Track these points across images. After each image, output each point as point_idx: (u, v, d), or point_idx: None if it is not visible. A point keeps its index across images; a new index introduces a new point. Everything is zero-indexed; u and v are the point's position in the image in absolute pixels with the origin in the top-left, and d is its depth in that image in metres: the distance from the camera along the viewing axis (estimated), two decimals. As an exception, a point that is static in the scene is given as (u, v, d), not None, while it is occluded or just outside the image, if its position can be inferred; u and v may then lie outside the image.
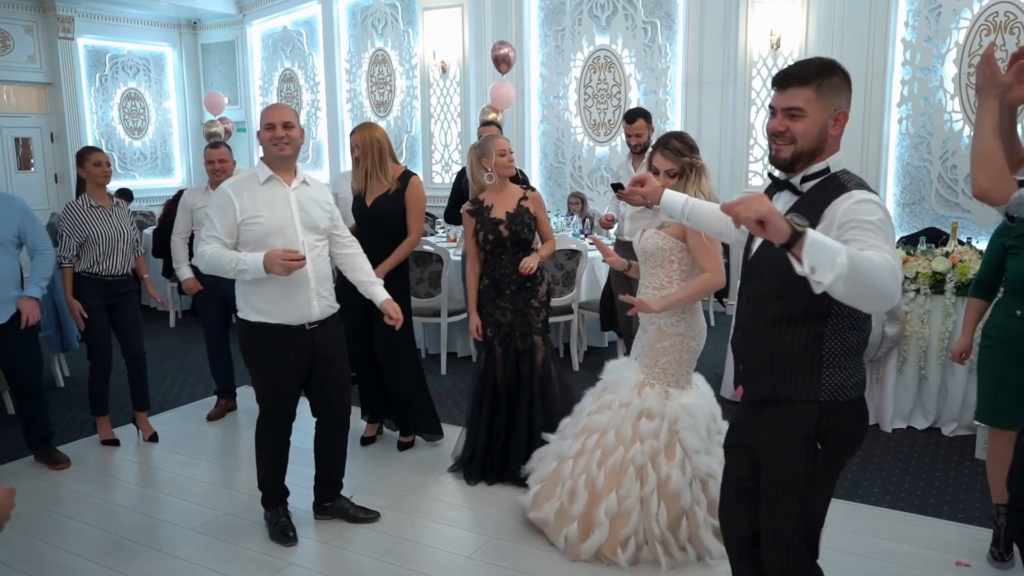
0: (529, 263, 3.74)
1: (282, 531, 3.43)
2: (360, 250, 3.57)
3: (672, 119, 7.86)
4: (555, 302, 5.80)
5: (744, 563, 2.29)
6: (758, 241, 2.12)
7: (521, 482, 3.74)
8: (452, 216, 5.54)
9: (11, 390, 4.30)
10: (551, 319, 5.83)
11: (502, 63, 7.59)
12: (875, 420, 4.64)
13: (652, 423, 3.12)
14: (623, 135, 7.98)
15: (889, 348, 4.48)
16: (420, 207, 4.23)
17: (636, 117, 5.11)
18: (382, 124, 9.73)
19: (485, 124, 5.67)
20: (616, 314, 5.55)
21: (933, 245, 4.79)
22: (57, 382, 5.79)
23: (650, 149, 3.29)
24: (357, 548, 3.38)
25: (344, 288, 4.33)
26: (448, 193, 5.65)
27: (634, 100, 8.01)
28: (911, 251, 4.63)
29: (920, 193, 6.89)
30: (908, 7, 6.75)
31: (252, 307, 3.24)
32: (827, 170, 2.00)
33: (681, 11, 7.69)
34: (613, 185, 4.30)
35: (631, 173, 5.26)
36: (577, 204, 7.74)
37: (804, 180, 2.03)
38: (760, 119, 7.22)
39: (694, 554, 3.13)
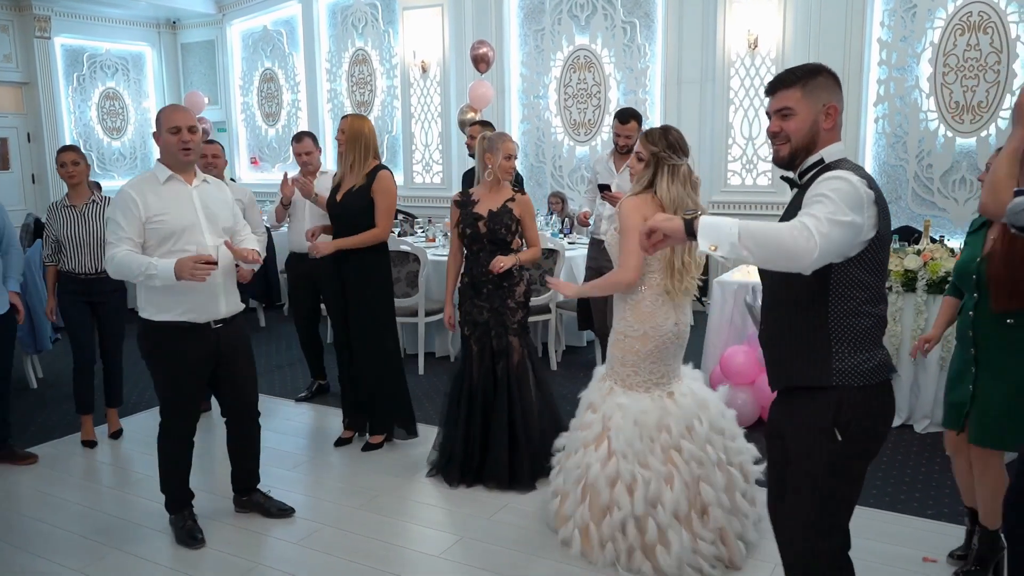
0: (500, 261, 3.72)
1: (189, 535, 3.38)
2: (249, 238, 3.50)
3: (652, 119, 7.87)
4: (533, 301, 5.79)
5: None
6: None
7: (500, 484, 3.79)
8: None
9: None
10: (530, 319, 5.86)
11: (481, 63, 7.58)
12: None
13: (593, 415, 3.19)
14: (604, 134, 8.06)
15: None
16: (388, 202, 4.16)
17: (630, 119, 5.10)
18: (363, 124, 9.70)
19: (479, 123, 5.60)
20: (592, 314, 5.57)
21: (906, 243, 4.81)
22: (30, 383, 5.73)
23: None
24: (325, 548, 3.36)
25: (327, 285, 4.35)
26: (429, 193, 5.65)
27: (614, 100, 8.02)
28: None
29: (896, 192, 6.94)
30: (884, 7, 6.80)
31: (155, 305, 3.20)
32: (821, 161, 2.09)
33: (660, 11, 7.71)
34: (600, 186, 4.34)
35: (611, 171, 5.26)
36: (557, 204, 7.75)
37: (803, 174, 2.13)
38: (738, 118, 7.25)
39: (611, 558, 3.08)
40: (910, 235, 5.57)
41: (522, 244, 3.94)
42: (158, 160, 3.27)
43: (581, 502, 3.12)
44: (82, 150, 4.63)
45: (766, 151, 7.15)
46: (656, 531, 2.98)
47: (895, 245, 4.78)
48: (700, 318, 6.95)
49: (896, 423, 4.58)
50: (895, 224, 6.81)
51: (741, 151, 7.30)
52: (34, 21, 9.51)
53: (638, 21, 7.85)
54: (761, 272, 2.24)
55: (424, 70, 8.78)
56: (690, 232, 1.89)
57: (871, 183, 2.00)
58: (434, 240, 6.87)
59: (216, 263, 3.07)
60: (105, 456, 4.49)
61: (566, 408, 4.81)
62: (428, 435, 4.35)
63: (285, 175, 5.02)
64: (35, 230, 7.45)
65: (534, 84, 8.53)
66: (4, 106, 9.74)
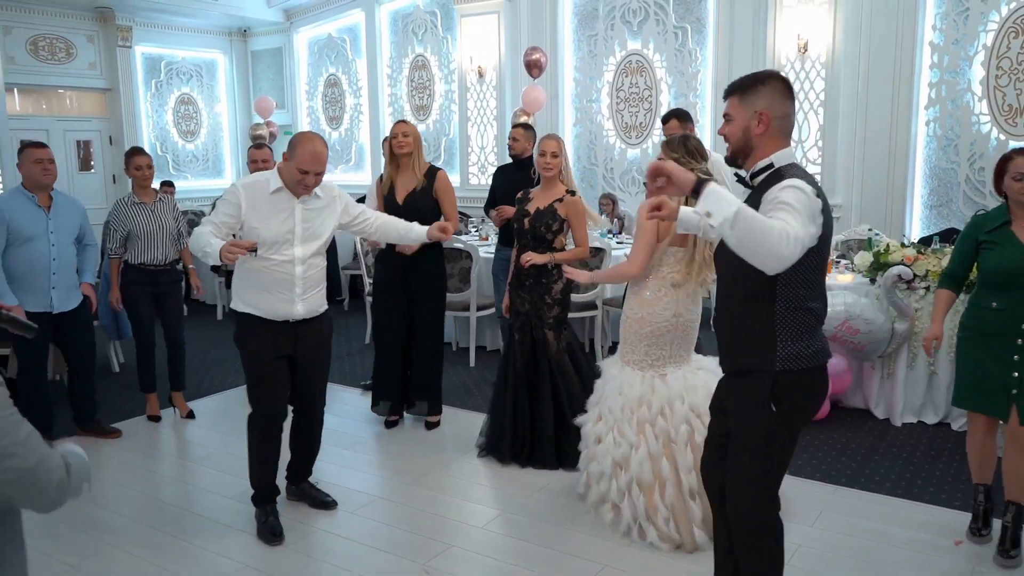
0: (528, 256, 3.98)
1: (270, 530, 3.46)
2: (381, 215, 3.80)
3: (702, 122, 8.01)
4: (580, 298, 6.03)
5: (722, 510, 2.54)
6: None
7: (548, 464, 4.09)
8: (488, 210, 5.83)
9: (69, 369, 4.65)
10: (576, 314, 6.08)
11: (534, 68, 7.83)
12: (885, 414, 4.76)
13: (597, 380, 3.60)
14: (655, 137, 8.22)
15: (899, 344, 4.60)
16: (453, 198, 4.62)
17: (668, 118, 5.21)
18: (421, 127, 10.06)
19: (520, 126, 5.87)
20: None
21: (946, 244, 4.89)
22: (113, 367, 6.20)
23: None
24: (379, 518, 3.64)
25: (387, 277, 4.67)
26: (484, 194, 5.91)
27: (665, 103, 8.18)
28: (921, 250, 4.74)
29: (948, 195, 6.94)
30: (936, 10, 6.82)
31: (242, 300, 3.43)
32: (771, 165, 2.28)
33: (711, 16, 7.85)
34: (645, 183, 4.49)
35: None
36: (608, 205, 7.94)
37: (754, 176, 2.33)
38: (788, 122, 7.33)
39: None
40: (950, 237, 5.60)
41: (567, 244, 4.15)
42: (276, 169, 3.39)
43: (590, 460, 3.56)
44: (157, 152, 5.04)
45: (815, 154, 7.23)
46: (616, 491, 3.40)
47: (935, 246, 4.87)
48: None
49: (933, 420, 4.67)
50: (945, 225, 6.83)
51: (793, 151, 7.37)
52: (117, 31, 10.13)
53: (689, 26, 8.00)
54: (719, 266, 2.49)
55: (481, 75, 9.07)
56: (696, 191, 2.05)
57: (819, 191, 2.19)
58: (487, 239, 7.14)
59: (255, 249, 3.18)
60: (174, 432, 4.89)
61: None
62: (477, 421, 4.61)
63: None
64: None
65: (587, 88, 8.74)
66: (88, 111, 10.40)
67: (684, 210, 2.70)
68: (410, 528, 3.54)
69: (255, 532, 3.49)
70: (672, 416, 3.31)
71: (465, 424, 4.80)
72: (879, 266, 4.69)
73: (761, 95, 2.27)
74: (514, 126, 5.87)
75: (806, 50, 7.12)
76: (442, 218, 4.57)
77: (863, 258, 4.81)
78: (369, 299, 6.40)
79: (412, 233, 3.81)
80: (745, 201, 2.25)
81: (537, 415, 4.11)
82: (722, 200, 1.98)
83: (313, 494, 3.79)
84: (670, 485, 3.29)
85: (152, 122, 10.88)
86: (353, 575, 3.18)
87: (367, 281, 6.60)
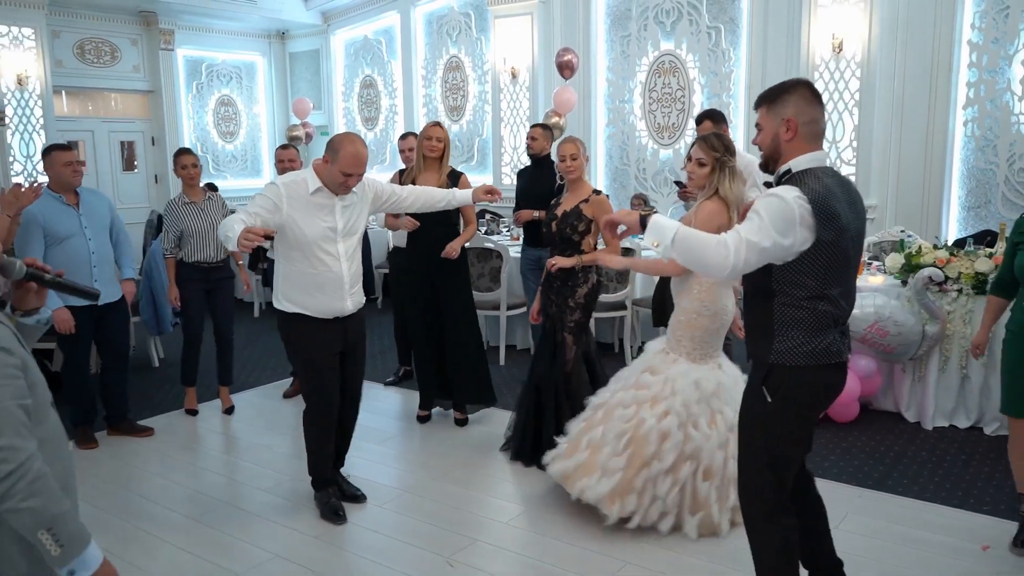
0: (553, 261, 4.01)
1: (332, 511, 3.64)
2: (412, 187, 3.88)
3: (735, 122, 7.97)
4: (609, 298, 6.06)
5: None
6: None
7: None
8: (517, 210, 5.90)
9: (103, 363, 4.78)
10: (605, 314, 6.12)
11: (565, 69, 7.86)
12: (916, 418, 4.73)
13: (652, 377, 3.48)
14: (687, 137, 8.21)
15: (930, 346, 4.56)
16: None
17: (702, 119, 5.20)
18: (455, 128, 10.17)
19: (539, 126, 5.93)
20: (668, 311, 5.75)
21: (980, 246, 4.83)
22: (152, 362, 6.38)
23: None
24: (406, 511, 3.73)
25: (411, 275, 4.76)
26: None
27: (698, 104, 8.16)
28: (954, 252, 4.69)
29: (986, 196, 6.83)
30: (975, 8, 6.71)
31: (289, 299, 3.48)
32: (789, 171, 2.39)
33: (745, 16, 7.82)
34: (676, 182, 4.53)
35: None
36: (640, 206, 7.94)
37: (778, 180, 2.43)
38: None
39: (632, 507, 3.38)
40: (982, 239, 5.54)
41: (594, 246, 4.16)
42: (314, 166, 3.44)
43: (620, 452, 3.38)
44: (197, 153, 5.18)
45: (850, 154, 7.16)
46: (691, 489, 3.36)
47: (968, 248, 4.81)
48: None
49: (965, 424, 4.62)
50: (983, 227, 6.72)
51: (824, 154, 7.31)
52: (160, 35, 10.37)
53: (723, 26, 7.97)
54: None
55: (514, 76, 9.13)
56: (643, 225, 2.32)
57: (818, 196, 2.23)
58: (518, 239, 7.19)
59: (271, 236, 3.24)
60: (214, 425, 5.03)
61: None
62: (505, 419, 4.67)
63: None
64: (158, 225, 8.18)
65: (620, 89, 8.75)
66: (132, 112, 10.67)
67: (654, 220, 2.84)
68: (436, 522, 3.62)
69: (318, 514, 3.66)
70: (733, 403, 3.34)
71: (494, 422, 4.86)
72: (910, 268, 4.65)
73: (788, 103, 2.37)
74: (532, 126, 5.93)
75: (841, 50, 7.06)
76: (462, 221, 4.68)
77: (894, 260, 4.78)
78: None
79: (456, 197, 3.88)
80: None
81: (545, 418, 4.12)
82: (661, 229, 2.28)
83: (343, 486, 3.85)
84: (727, 472, 3.37)
85: (193, 123, 11.12)
86: (379, 566, 3.27)
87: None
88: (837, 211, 2.26)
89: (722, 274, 2.26)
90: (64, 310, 4.26)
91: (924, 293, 4.50)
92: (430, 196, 3.89)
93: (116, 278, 4.63)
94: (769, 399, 2.39)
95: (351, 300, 3.54)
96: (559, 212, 4.11)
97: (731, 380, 3.48)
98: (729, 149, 3.40)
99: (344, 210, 3.45)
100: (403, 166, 5.39)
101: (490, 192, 3.87)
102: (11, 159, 8.78)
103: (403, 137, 5.45)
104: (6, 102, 8.72)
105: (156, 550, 3.41)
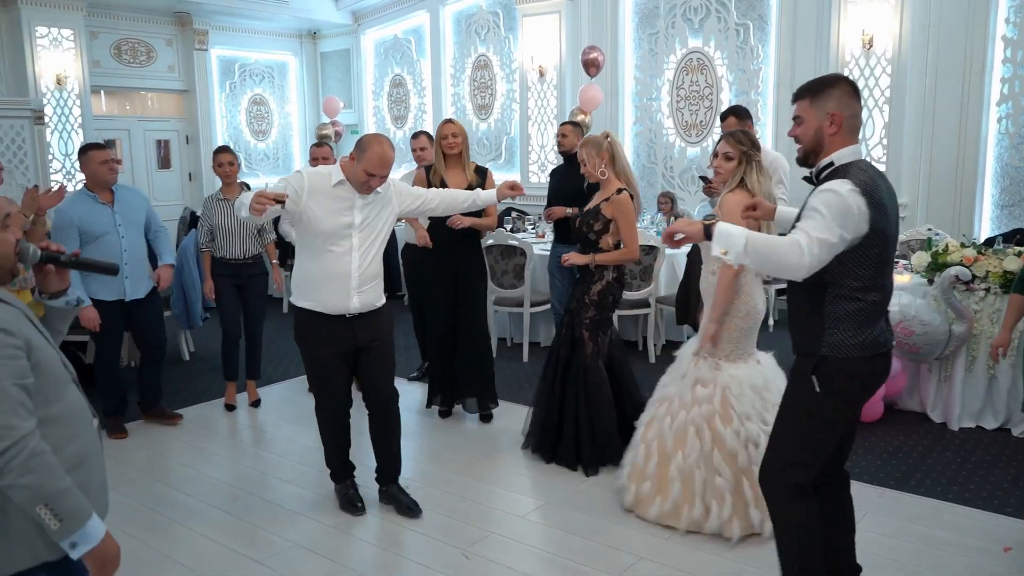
0: (567, 256, 4.04)
1: (349, 502, 3.69)
2: (439, 191, 3.88)
3: (764, 120, 7.92)
4: (632, 296, 6.05)
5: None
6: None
7: (569, 463, 4.10)
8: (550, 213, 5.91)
9: (141, 356, 4.90)
10: (629, 312, 6.12)
11: (591, 67, 7.87)
12: (942, 418, 4.66)
13: (706, 389, 3.43)
14: (715, 135, 8.16)
15: (957, 346, 4.50)
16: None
17: (727, 115, 5.15)
18: (483, 127, 10.22)
19: (568, 124, 5.94)
20: (692, 309, 5.74)
21: (1009, 245, 4.76)
22: (183, 355, 6.51)
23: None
24: (425, 504, 3.75)
25: (428, 271, 4.81)
26: (543, 192, 6.00)
27: (726, 101, 8.11)
28: (982, 250, 4.62)
29: (1020, 194, 6.70)
30: (1009, 3, 6.59)
31: (301, 294, 3.53)
32: (831, 164, 2.40)
33: (774, 13, 7.75)
34: (702, 177, 4.52)
35: None
36: (666, 204, 7.91)
37: (819, 174, 2.45)
38: (851, 119, 7.19)
39: (759, 518, 3.31)
40: (1014, 237, 5.44)
41: (616, 245, 4.08)
42: (341, 163, 3.46)
43: (722, 474, 3.33)
44: (233, 151, 5.28)
45: (880, 152, 7.07)
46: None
47: (998, 246, 4.74)
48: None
49: (992, 425, 4.55)
50: (1017, 225, 6.60)
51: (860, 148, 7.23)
52: (194, 35, 10.57)
53: (751, 23, 7.91)
54: None
55: (541, 74, 9.15)
56: (707, 235, 2.31)
57: (868, 187, 2.26)
58: (543, 236, 7.22)
59: (283, 201, 3.20)
60: (241, 418, 5.13)
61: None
62: (526, 415, 4.69)
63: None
64: (190, 221, 8.33)
65: (647, 87, 8.73)
66: (167, 111, 10.88)
67: (721, 228, 2.84)
68: (453, 515, 3.66)
69: (337, 506, 3.73)
70: (775, 396, 3.34)
71: (515, 418, 4.87)
72: (937, 266, 4.59)
73: (831, 97, 2.39)
74: (562, 124, 5.94)
75: (871, 46, 6.97)
76: (482, 214, 4.68)
77: (920, 258, 4.72)
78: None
79: (480, 198, 3.89)
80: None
81: (565, 413, 4.13)
82: (730, 236, 2.27)
83: (400, 499, 3.71)
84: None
85: (226, 122, 11.31)
86: (396, 556, 3.32)
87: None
88: (885, 202, 2.31)
89: (800, 275, 2.27)
90: (91, 308, 4.36)
91: (951, 292, 4.44)
92: (455, 198, 3.88)
93: (147, 275, 4.73)
94: (818, 389, 2.42)
95: (358, 298, 3.46)
96: (585, 209, 4.15)
97: (773, 372, 3.52)
98: (755, 144, 3.42)
99: (364, 207, 3.44)
100: (415, 164, 5.44)
101: (513, 188, 3.87)
102: (50, 157, 9.01)
103: (415, 136, 5.48)
104: (45, 102, 8.96)
105: (180, 537, 3.49)
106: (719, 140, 3.51)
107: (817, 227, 2.23)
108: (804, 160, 2.49)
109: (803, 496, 2.53)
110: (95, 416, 1.92)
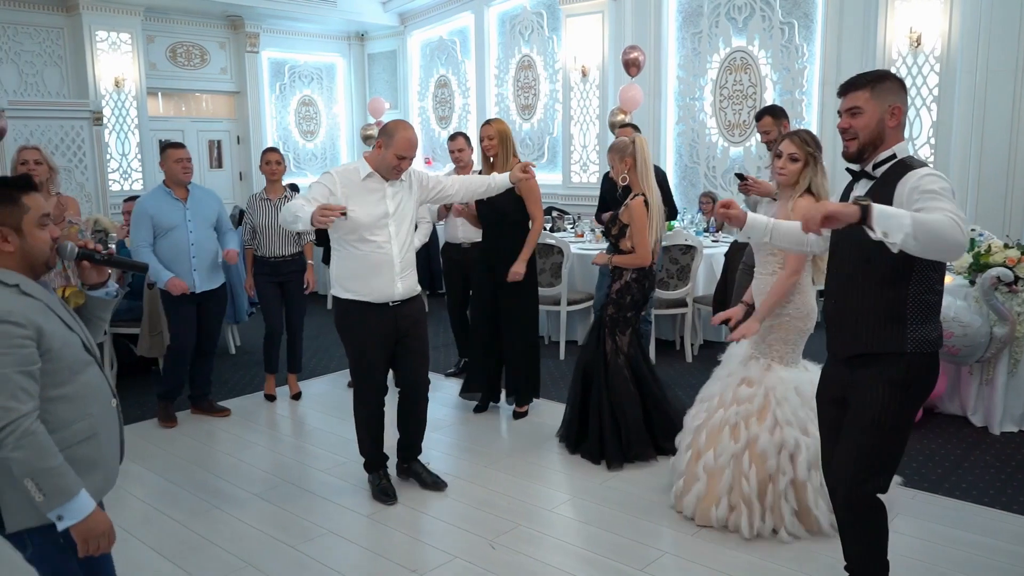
0: (598, 258, 4.15)
1: (383, 492, 3.80)
2: (457, 177, 3.98)
3: (808, 119, 7.83)
4: (669, 295, 6.06)
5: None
6: None
7: (592, 458, 4.15)
8: (599, 215, 5.92)
9: (196, 347, 5.05)
10: (665, 311, 6.12)
11: (632, 67, 7.87)
12: (983, 422, 4.58)
13: (750, 389, 3.42)
14: (758, 135, 8.08)
15: (998, 349, 4.41)
16: (537, 195, 4.73)
17: (762, 115, 5.11)
18: (526, 127, 10.29)
19: (628, 126, 5.93)
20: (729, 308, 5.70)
21: (1057, 245, 4.64)
22: (230, 349, 6.71)
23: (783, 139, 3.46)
24: (456, 496, 3.85)
25: (471, 267, 4.88)
26: (585, 192, 6.03)
27: (769, 100, 8.03)
28: (1026, 250, 4.52)
29: (1074, 195, 6.52)
30: (1064, -1, 6.42)
31: (343, 286, 3.66)
32: (894, 156, 2.39)
33: (819, 11, 7.66)
34: (738, 175, 4.50)
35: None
36: (707, 204, 7.89)
37: (876, 167, 2.41)
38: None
39: (771, 526, 3.33)
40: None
41: (631, 247, 4.12)
42: (364, 156, 3.63)
43: (747, 473, 3.34)
44: (280, 151, 5.44)
45: (927, 151, 6.94)
46: (813, 493, 3.31)
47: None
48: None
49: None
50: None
51: (900, 151, 7.12)
52: (246, 38, 10.86)
53: (796, 21, 7.83)
54: (839, 253, 2.53)
55: (584, 74, 9.18)
56: (863, 218, 2.09)
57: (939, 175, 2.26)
58: (583, 235, 7.25)
59: (344, 213, 3.36)
60: (283, 410, 5.28)
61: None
62: (560, 412, 4.73)
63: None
64: (239, 219, 8.57)
65: (690, 86, 8.70)
66: (219, 112, 11.19)
67: (753, 216, 2.82)
68: (482, 507, 3.73)
69: (370, 495, 3.83)
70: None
71: (550, 414, 4.95)
72: (979, 267, 4.51)
73: (891, 90, 2.38)
74: (620, 125, 5.93)
75: (919, 44, 6.85)
76: (530, 221, 4.73)
77: (962, 259, 4.63)
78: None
79: (495, 181, 3.97)
80: (867, 193, 2.39)
81: (590, 407, 4.20)
82: (893, 217, 2.06)
83: (424, 475, 3.94)
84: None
85: (275, 122, 11.59)
86: (424, 545, 3.41)
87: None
88: None
89: (960, 254, 2.13)
90: (175, 278, 4.63)
91: (992, 293, 4.35)
92: (471, 184, 3.99)
93: (217, 269, 4.93)
94: (910, 390, 2.37)
95: (401, 284, 3.64)
96: (612, 213, 4.24)
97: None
98: (819, 145, 3.39)
99: (394, 195, 3.62)
100: (453, 166, 5.51)
101: (525, 170, 3.92)
102: (108, 157, 9.34)
103: (452, 138, 5.54)
104: (104, 103, 9.30)
105: (220, 523, 3.63)
106: (781, 139, 3.43)
107: (952, 207, 2.12)
108: (859, 154, 2.41)
109: (879, 503, 2.49)
110: (115, 396, 2.13)
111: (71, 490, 1.88)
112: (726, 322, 3.70)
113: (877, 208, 2.07)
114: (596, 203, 6.39)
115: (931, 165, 6.86)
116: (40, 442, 1.84)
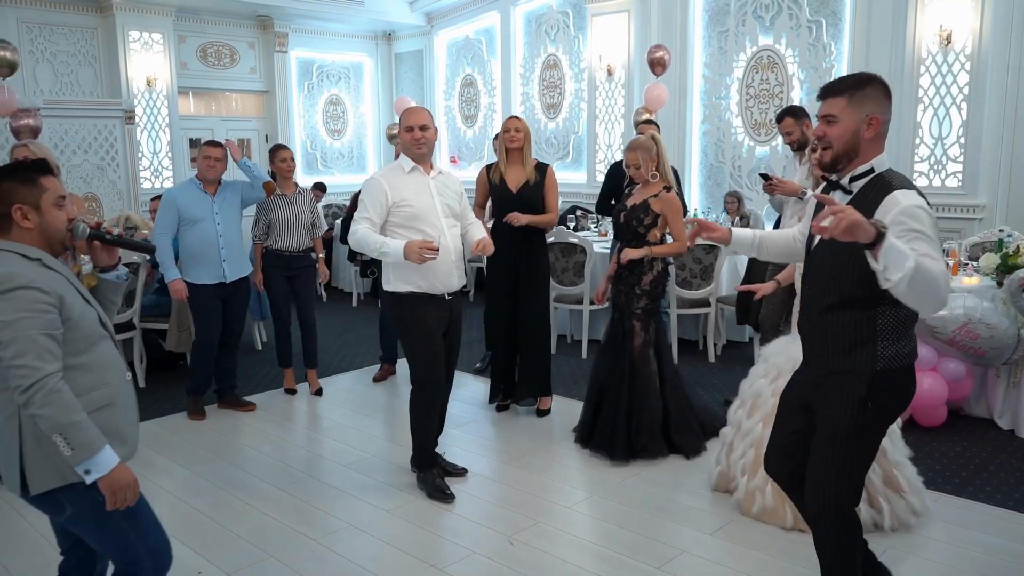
0: (628, 254, 4.11)
1: (440, 490, 3.81)
2: (474, 224, 4.03)
3: (836, 118, 7.75)
4: (692, 295, 6.05)
5: (795, 494, 2.62)
6: (816, 238, 2.42)
7: (604, 453, 4.15)
8: (602, 207, 5.95)
9: (220, 340, 5.14)
10: (688, 311, 6.11)
11: (657, 66, 7.85)
12: (1011, 425, 4.52)
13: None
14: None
15: (1026, 351, 4.36)
16: (557, 191, 4.85)
17: (782, 116, 5.08)
18: (551, 126, 10.30)
19: (646, 122, 5.94)
20: (752, 309, 5.69)
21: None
22: (256, 345, 6.81)
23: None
24: (477, 492, 3.89)
25: (491, 271, 4.91)
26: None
27: (796, 99, 7.97)
28: (1055, 253, 4.46)
29: (1108, 196, 6.40)
30: (1099, -4, 6.30)
31: (400, 278, 3.70)
32: (871, 170, 2.28)
33: (848, 9, 7.58)
34: (762, 175, 4.48)
35: (795, 168, 5.31)
36: (733, 203, 7.83)
37: (852, 180, 2.31)
38: (927, 118, 6.99)
39: (869, 520, 3.33)
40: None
41: (661, 238, 4.22)
42: (403, 153, 3.78)
43: None
44: (307, 150, 5.52)
45: (956, 151, 6.84)
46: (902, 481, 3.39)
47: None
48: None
49: (1062, 434, 4.39)
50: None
51: (929, 151, 7.02)
52: (275, 38, 10.97)
53: (824, 20, 7.76)
54: (810, 272, 2.45)
55: (610, 73, 9.17)
56: (874, 242, 1.96)
57: (922, 195, 2.19)
58: (606, 234, 7.25)
59: (438, 250, 3.47)
60: (306, 405, 5.35)
61: (718, 399, 5.08)
62: (580, 411, 4.76)
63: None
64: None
65: (716, 85, 8.65)
66: (249, 111, 11.33)
67: (737, 231, 2.74)
68: (502, 503, 3.76)
69: (426, 495, 3.84)
70: None
71: (571, 413, 4.95)
72: (1006, 268, 4.45)
73: (870, 98, 2.24)
74: (646, 122, 5.92)
75: (949, 41, 6.75)
76: (545, 209, 4.76)
77: (988, 260, 4.58)
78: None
79: (470, 234, 3.94)
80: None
81: (605, 402, 4.22)
82: (901, 254, 1.95)
83: (442, 463, 4.03)
84: None
85: (303, 121, 11.69)
86: (443, 540, 3.44)
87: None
88: None
89: (942, 308, 2.08)
90: (179, 281, 4.75)
91: (1020, 295, 4.30)
92: (475, 227, 3.99)
93: (244, 259, 5.04)
94: (870, 406, 2.29)
95: (457, 275, 3.76)
96: (628, 204, 4.20)
97: None
98: None
99: (438, 187, 3.74)
100: (483, 164, 5.52)
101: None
102: (140, 155, 9.50)
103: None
104: (136, 102, 9.46)
105: (243, 514, 3.69)
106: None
107: (934, 249, 2.07)
108: (832, 165, 2.30)
109: (853, 516, 2.44)
110: (128, 370, 2.27)
111: (96, 444, 2.00)
112: (749, 322, 3.74)
113: (890, 240, 1.95)
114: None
115: (957, 168, 6.76)
116: (65, 399, 1.97)
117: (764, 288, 3.71)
